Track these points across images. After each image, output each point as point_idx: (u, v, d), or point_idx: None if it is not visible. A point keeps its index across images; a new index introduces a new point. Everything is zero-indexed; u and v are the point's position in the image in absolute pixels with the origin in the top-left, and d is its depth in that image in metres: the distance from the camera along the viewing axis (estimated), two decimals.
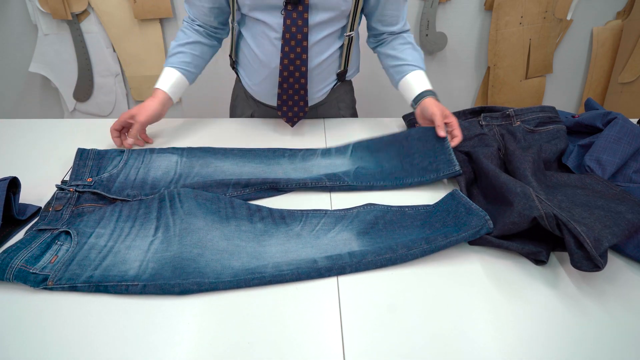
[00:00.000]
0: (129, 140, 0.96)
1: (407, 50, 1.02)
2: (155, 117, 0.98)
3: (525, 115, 0.98)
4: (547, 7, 1.82)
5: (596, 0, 1.85)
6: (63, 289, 0.61)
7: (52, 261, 0.64)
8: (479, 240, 0.69)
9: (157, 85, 0.99)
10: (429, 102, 0.95)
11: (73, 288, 0.61)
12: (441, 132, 0.88)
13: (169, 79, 0.99)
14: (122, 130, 0.96)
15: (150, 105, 0.96)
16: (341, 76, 1.07)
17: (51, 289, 0.61)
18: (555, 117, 0.98)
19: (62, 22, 1.79)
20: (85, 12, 1.78)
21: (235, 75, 1.17)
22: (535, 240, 0.68)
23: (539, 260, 0.67)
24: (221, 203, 0.75)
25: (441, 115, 0.90)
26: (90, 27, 1.81)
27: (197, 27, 1.02)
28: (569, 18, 1.88)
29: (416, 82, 1.00)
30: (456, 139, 0.90)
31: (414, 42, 1.04)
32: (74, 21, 1.77)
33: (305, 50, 0.93)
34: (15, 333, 0.56)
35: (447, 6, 1.83)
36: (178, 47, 1.01)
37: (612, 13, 1.89)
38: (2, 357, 0.53)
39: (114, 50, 1.88)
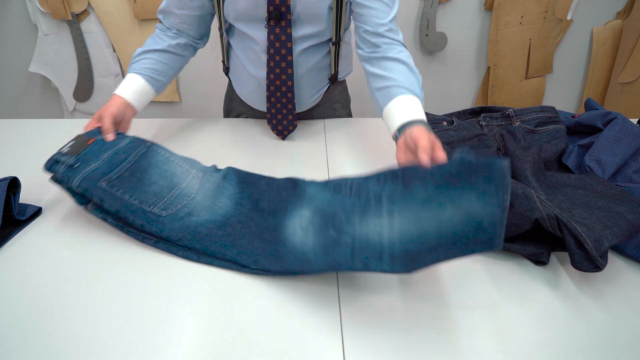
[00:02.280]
0: (109, 137, 0.79)
1: (400, 70, 0.80)
2: (119, 113, 0.83)
3: (525, 115, 0.98)
4: (547, 7, 1.82)
5: (596, 0, 1.85)
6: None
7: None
8: None
9: (117, 92, 0.87)
10: (418, 129, 0.69)
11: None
12: (424, 156, 0.62)
13: (130, 85, 0.88)
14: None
15: (110, 104, 0.83)
16: (333, 79, 1.05)
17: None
18: (555, 117, 0.98)
19: (62, 22, 1.79)
20: (85, 12, 1.78)
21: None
22: (535, 241, 0.68)
23: (540, 262, 0.67)
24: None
25: (429, 142, 0.65)
26: (90, 27, 1.81)
27: (172, 35, 0.94)
28: (569, 18, 1.88)
29: (406, 108, 0.75)
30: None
31: (411, 63, 0.82)
32: (74, 21, 1.77)
33: (290, 64, 0.92)
34: None
35: (447, 6, 1.83)
36: (143, 54, 0.91)
37: (612, 13, 1.89)
38: None
39: (114, 50, 1.88)
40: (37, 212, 0.77)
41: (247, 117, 1.17)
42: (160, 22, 0.96)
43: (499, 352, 0.54)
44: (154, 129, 1.06)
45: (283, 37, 0.89)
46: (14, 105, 2.04)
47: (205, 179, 0.80)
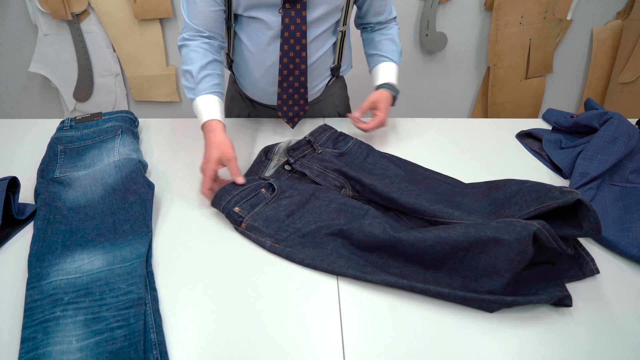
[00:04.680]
0: (241, 180, 0.79)
1: (385, 41, 1.06)
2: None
3: (319, 139, 0.93)
4: (547, 7, 1.82)
5: (596, 0, 1.85)
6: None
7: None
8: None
9: (210, 117, 0.85)
10: (377, 92, 1.00)
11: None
12: (355, 113, 0.97)
13: (214, 107, 0.87)
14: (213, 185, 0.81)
15: (223, 140, 0.83)
16: (335, 71, 1.07)
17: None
18: (335, 131, 0.97)
19: (62, 22, 1.79)
20: (85, 12, 1.78)
21: (229, 77, 1.16)
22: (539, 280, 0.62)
23: (565, 304, 0.60)
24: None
25: (370, 102, 0.97)
26: (90, 27, 1.81)
27: (207, 41, 0.92)
28: (569, 18, 1.89)
29: (382, 73, 1.04)
30: (376, 119, 0.96)
31: (395, 34, 1.08)
32: (74, 21, 1.78)
33: (304, 48, 0.93)
34: None
35: (447, 6, 1.83)
36: (201, 70, 0.89)
37: (612, 13, 1.89)
38: None
39: (114, 50, 1.88)
40: (36, 211, 0.77)
41: (248, 116, 1.17)
42: (185, 25, 0.92)
43: (499, 352, 0.54)
44: (154, 129, 1.06)
45: (298, 20, 0.90)
46: (14, 105, 2.05)
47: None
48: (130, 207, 0.74)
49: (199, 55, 0.89)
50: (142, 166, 0.85)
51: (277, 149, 0.91)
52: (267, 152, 0.91)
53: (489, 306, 0.59)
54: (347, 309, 0.60)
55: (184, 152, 0.97)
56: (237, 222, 0.73)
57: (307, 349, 0.55)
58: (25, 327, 0.55)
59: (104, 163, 0.86)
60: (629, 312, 0.60)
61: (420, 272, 0.64)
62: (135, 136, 0.99)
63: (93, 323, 0.55)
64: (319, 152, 0.90)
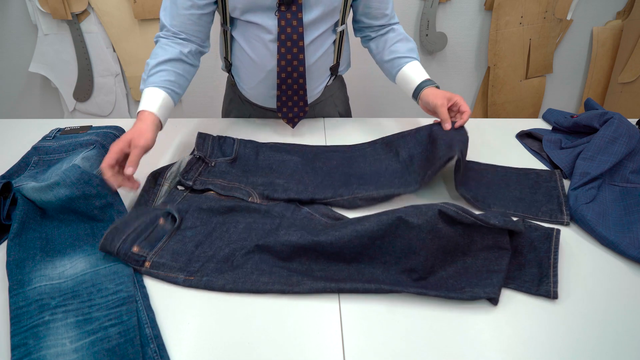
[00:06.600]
0: (129, 170, 0.73)
1: (398, 43, 1.01)
2: (152, 143, 0.78)
3: (205, 150, 0.91)
4: (547, 7, 1.82)
5: (596, 0, 1.85)
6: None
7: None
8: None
9: (143, 107, 0.81)
10: (428, 92, 0.93)
11: None
12: (446, 125, 0.88)
13: (155, 100, 0.82)
14: (115, 164, 0.74)
15: (145, 129, 0.77)
16: (333, 70, 1.06)
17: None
18: (216, 136, 0.95)
19: (62, 22, 1.79)
20: (85, 12, 1.78)
21: (227, 80, 1.16)
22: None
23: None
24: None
25: (444, 105, 0.88)
26: (90, 27, 1.81)
27: (180, 42, 0.89)
28: (569, 18, 1.89)
29: (413, 73, 0.97)
30: (465, 115, 0.88)
31: (405, 33, 1.03)
32: (74, 21, 1.78)
33: (302, 50, 0.93)
34: None
35: (447, 6, 1.83)
36: (158, 65, 0.85)
37: (612, 13, 1.89)
38: None
39: (114, 50, 1.88)
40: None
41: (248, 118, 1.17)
42: (162, 27, 0.90)
43: (500, 352, 0.54)
44: None
45: (294, 22, 0.89)
46: (14, 105, 2.05)
47: None
48: (102, 211, 0.72)
49: (164, 52, 0.87)
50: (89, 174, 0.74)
51: (168, 173, 0.82)
52: (157, 178, 0.81)
53: (417, 292, 0.60)
54: (347, 310, 0.60)
55: (184, 153, 0.97)
56: (138, 263, 0.64)
57: (307, 349, 0.55)
58: (14, 334, 0.53)
59: (48, 174, 0.78)
60: (629, 312, 0.60)
61: (343, 269, 0.65)
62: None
63: (85, 324, 0.55)
64: (213, 164, 0.87)
